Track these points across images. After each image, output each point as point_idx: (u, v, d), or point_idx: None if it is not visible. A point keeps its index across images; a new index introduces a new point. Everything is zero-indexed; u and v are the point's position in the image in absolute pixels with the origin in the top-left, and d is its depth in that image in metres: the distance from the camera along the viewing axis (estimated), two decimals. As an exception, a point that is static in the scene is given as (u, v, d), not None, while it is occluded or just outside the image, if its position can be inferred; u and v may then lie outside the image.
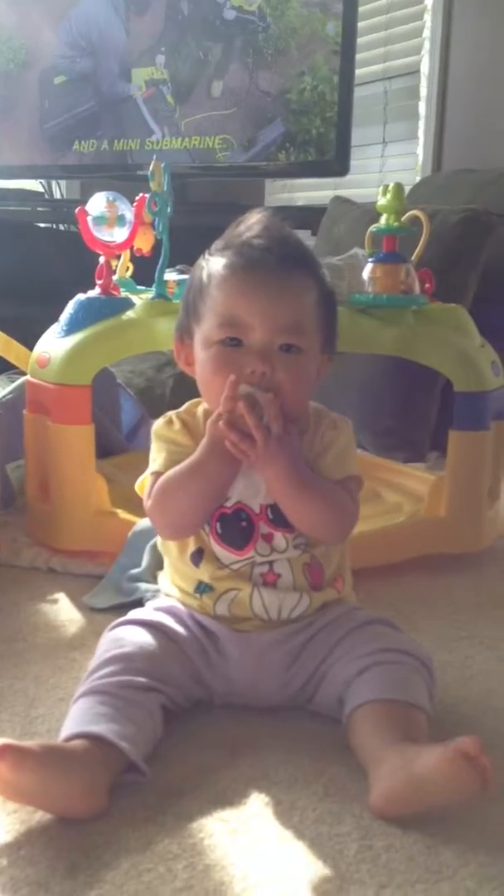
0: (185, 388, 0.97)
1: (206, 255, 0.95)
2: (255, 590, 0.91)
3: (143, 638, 0.89)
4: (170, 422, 0.97)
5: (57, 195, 3.22)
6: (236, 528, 0.92)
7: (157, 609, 0.95)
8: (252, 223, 0.93)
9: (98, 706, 0.80)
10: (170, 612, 0.94)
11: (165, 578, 0.99)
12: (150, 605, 0.98)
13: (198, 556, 0.93)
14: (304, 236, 2.32)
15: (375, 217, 1.40)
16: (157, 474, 0.94)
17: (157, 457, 0.95)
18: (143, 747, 0.79)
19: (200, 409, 0.97)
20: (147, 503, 0.94)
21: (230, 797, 0.78)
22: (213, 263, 0.92)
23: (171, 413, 0.98)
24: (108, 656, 0.86)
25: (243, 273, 0.89)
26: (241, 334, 0.89)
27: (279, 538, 0.92)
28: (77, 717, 0.79)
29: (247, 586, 0.91)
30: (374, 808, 0.75)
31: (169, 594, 0.98)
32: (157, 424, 0.97)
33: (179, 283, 1.41)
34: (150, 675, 0.84)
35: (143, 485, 0.97)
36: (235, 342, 0.89)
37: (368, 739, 0.80)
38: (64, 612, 1.18)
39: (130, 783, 0.77)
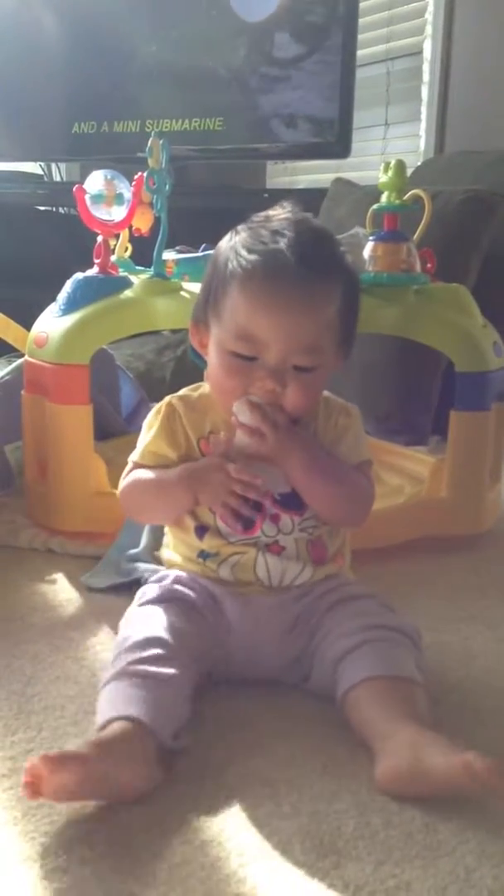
0: (185, 373, 0.97)
1: (234, 239, 0.91)
2: (259, 554, 0.92)
3: (169, 617, 0.87)
4: (158, 411, 0.98)
5: (56, 178, 3.19)
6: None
7: (166, 581, 0.94)
8: (282, 227, 0.88)
9: (130, 689, 0.78)
10: (179, 581, 0.93)
11: (167, 548, 1.00)
12: (154, 579, 0.96)
13: (202, 531, 0.94)
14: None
15: (377, 199, 1.38)
16: (135, 463, 0.98)
17: (139, 445, 0.98)
18: (175, 723, 0.78)
19: (199, 393, 0.98)
20: (120, 485, 0.98)
21: (225, 774, 0.78)
22: (239, 257, 0.88)
23: (169, 397, 0.98)
24: (139, 638, 0.83)
25: (266, 283, 0.86)
26: (256, 351, 0.88)
27: (286, 520, 0.92)
28: (112, 700, 0.78)
29: (251, 550, 0.92)
30: (380, 783, 0.75)
31: (171, 563, 0.97)
32: (152, 410, 0.99)
33: (178, 262, 1.40)
34: (179, 654, 0.83)
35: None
36: (250, 359, 0.89)
37: (373, 715, 0.79)
38: (62, 592, 1.17)
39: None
